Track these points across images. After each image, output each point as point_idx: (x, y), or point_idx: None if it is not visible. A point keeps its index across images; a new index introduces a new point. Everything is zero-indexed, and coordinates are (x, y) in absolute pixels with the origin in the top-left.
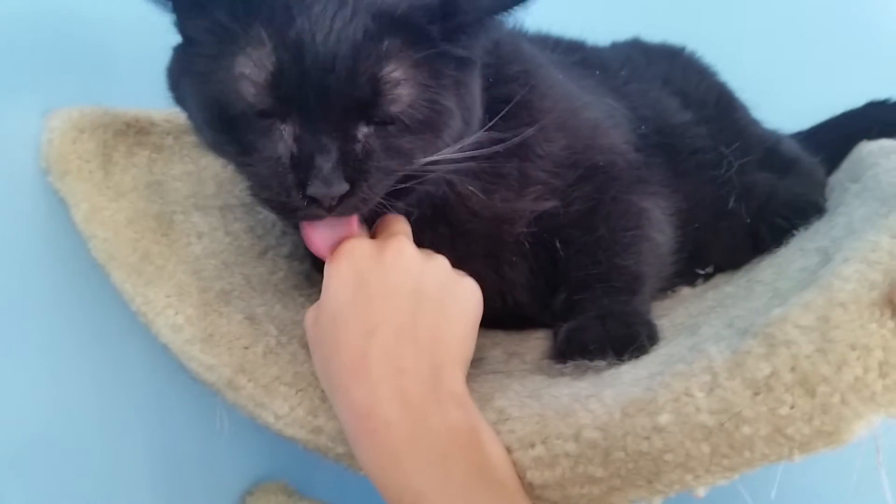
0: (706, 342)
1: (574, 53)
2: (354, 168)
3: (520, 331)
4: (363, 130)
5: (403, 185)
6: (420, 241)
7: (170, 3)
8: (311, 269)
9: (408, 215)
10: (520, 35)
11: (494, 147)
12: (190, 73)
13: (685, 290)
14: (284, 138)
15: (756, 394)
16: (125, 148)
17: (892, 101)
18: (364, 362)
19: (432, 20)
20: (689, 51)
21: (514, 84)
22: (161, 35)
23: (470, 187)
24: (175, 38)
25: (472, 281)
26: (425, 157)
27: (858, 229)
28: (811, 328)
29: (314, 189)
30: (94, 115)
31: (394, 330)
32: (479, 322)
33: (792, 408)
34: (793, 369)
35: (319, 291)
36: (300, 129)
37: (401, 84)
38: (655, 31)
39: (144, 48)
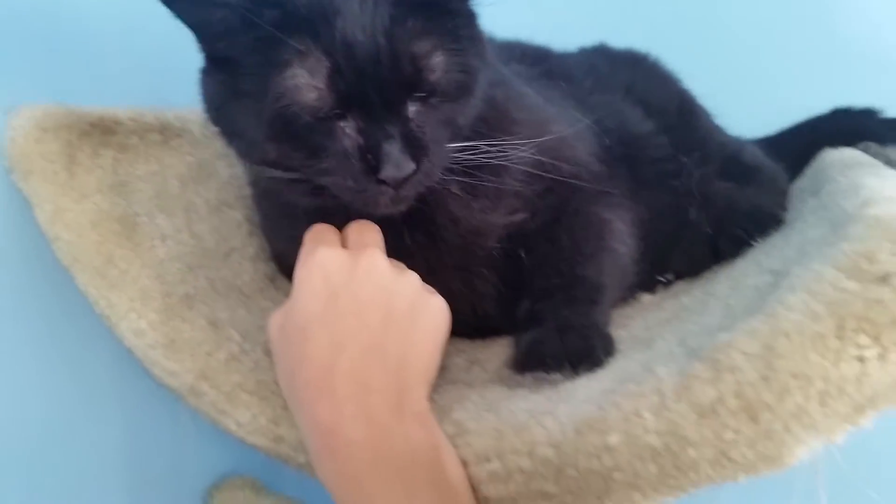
0: (657, 360)
1: (539, 64)
2: (415, 146)
3: (485, 339)
4: (412, 108)
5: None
6: (395, 248)
7: (199, 30)
8: (277, 272)
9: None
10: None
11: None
12: (239, 94)
13: (646, 298)
14: (348, 133)
15: (701, 417)
16: (90, 149)
17: (857, 108)
18: (330, 379)
19: None
20: (653, 58)
21: (496, 89)
22: (130, 31)
23: (454, 189)
24: (149, 35)
25: (441, 299)
26: (465, 121)
27: (809, 252)
28: (756, 356)
29: (386, 173)
30: (58, 115)
31: (362, 347)
32: (445, 341)
33: (736, 433)
34: (737, 395)
35: (284, 295)
36: (362, 122)
37: (433, 54)
38: (624, 36)
39: (113, 43)
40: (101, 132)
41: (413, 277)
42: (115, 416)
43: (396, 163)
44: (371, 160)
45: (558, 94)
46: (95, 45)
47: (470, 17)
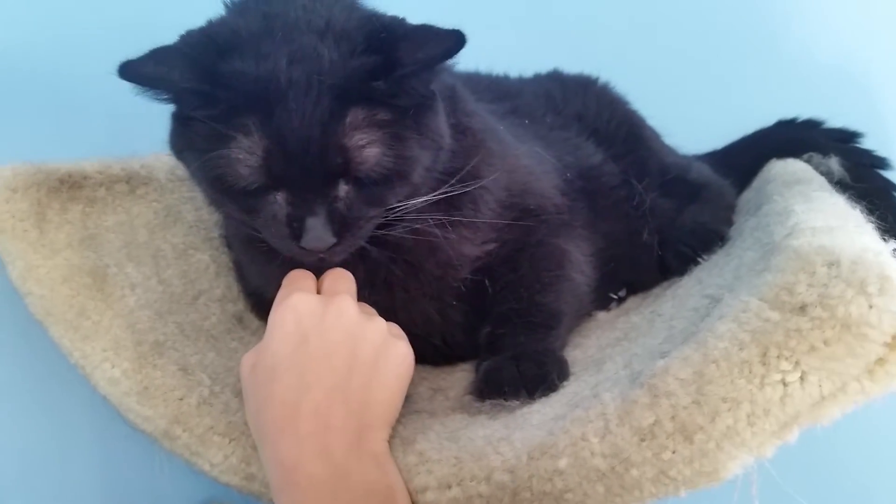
0: (604, 384)
1: (504, 100)
2: (340, 223)
3: (449, 365)
4: (343, 189)
5: (382, 232)
6: (375, 281)
7: (171, 97)
8: (245, 311)
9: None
10: (457, 81)
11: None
12: (192, 149)
13: (601, 315)
14: (279, 203)
15: (642, 440)
16: (59, 205)
17: (800, 120)
18: (294, 417)
19: (377, 79)
20: (602, 82)
21: (467, 139)
22: (86, 87)
23: (431, 230)
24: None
25: (407, 345)
26: (397, 200)
27: (742, 277)
28: (688, 381)
29: (306, 244)
30: (26, 174)
31: (327, 389)
32: (408, 384)
33: (674, 453)
34: (673, 418)
35: (252, 334)
36: (291, 196)
37: (365, 148)
38: (573, 56)
39: (77, 95)
40: (69, 187)
41: (380, 323)
42: (92, 450)
43: (317, 236)
44: (296, 228)
45: (523, 131)
46: (59, 98)
47: (421, 109)
